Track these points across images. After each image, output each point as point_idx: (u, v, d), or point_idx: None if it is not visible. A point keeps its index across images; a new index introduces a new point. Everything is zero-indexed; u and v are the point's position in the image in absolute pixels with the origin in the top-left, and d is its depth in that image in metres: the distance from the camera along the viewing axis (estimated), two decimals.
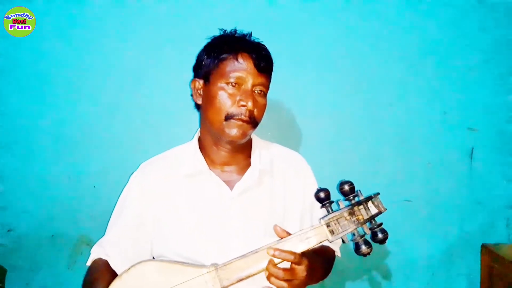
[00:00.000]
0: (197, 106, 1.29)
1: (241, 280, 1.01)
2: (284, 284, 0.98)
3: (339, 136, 1.71)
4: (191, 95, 1.27)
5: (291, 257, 0.97)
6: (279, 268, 0.98)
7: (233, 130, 1.14)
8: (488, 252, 1.71)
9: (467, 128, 1.74)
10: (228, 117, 1.14)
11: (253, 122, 1.16)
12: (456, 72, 1.72)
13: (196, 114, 1.54)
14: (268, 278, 0.99)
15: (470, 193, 1.75)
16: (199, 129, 1.31)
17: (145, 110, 1.63)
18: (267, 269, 0.98)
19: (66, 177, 1.63)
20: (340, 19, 1.67)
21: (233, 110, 1.14)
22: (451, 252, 1.76)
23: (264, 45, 1.23)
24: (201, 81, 1.22)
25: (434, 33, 1.70)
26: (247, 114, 1.13)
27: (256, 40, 1.25)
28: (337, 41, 1.67)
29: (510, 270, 1.58)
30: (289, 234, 1.02)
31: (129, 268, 1.06)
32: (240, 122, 1.14)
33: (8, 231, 1.64)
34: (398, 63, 1.70)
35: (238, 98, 1.14)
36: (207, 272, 1.02)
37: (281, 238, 1.02)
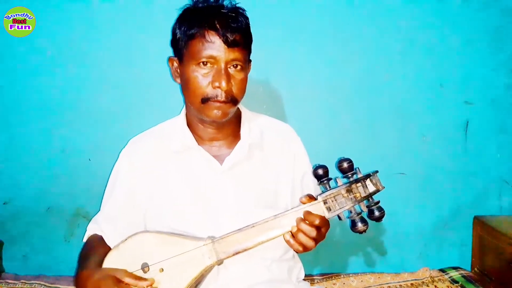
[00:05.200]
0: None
1: (237, 253, 1.02)
2: (309, 241, 0.99)
3: (334, 108, 1.70)
4: (171, 74, 1.23)
5: (317, 221, 0.99)
6: (312, 226, 0.99)
7: (212, 112, 1.10)
8: (480, 223, 1.74)
9: (463, 101, 1.74)
10: (204, 100, 1.09)
11: (232, 100, 1.10)
12: (454, 46, 1.71)
13: None
14: (296, 234, 0.99)
15: (463, 165, 1.77)
16: (184, 105, 1.28)
17: (139, 82, 1.61)
18: (298, 227, 0.99)
19: (61, 150, 1.62)
20: None
21: (208, 91, 1.09)
22: (444, 223, 1.78)
23: (236, 13, 1.11)
24: (177, 60, 1.17)
25: (432, 5, 1.68)
26: (223, 96, 1.08)
27: (232, 4, 1.14)
28: (333, 12, 1.64)
29: (502, 242, 1.61)
30: (315, 198, 1.02)
31: (126, 239, 1.08)
32: (218, 104, 1.09)
33: (4, 203, 1.65)
34: (395, 36, 1.68)
35: (211, 79, 1.08)
36: (204, 245, 1.03)
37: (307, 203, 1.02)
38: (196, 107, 1.13)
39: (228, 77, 1.09)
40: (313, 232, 0.98)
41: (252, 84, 1.19)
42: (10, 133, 1.62)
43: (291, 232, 1.01)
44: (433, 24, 1.69)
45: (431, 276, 1.66)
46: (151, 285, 1.02)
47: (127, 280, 1.00)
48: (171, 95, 1.59)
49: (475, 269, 1.76)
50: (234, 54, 1.09)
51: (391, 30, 1.67)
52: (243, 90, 1.14)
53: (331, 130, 1.71)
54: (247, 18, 1.15)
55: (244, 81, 1.14)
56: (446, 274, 1.68)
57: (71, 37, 1.58)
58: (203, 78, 1.09)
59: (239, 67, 1.11)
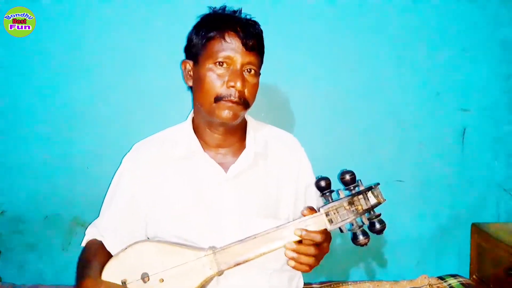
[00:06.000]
0: (189, 88, 1.27)
1: (238, 264, 1.02)
2: (311, 260, 0.99)
3: (331, 116, 1.71)
4: (183, 77, 1.25)
5: (318, 238, 0.98)
6: (310, 245, 0.98)
7: (223, 112, 1.11)
8: (478, 231, 1.74)
9: (460, 108, 1.75)
10: (217, 99, 1.11)
11: (244, 103, 1.13)
12: (450, 53, 1.72)
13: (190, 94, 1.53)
14: (293, 253, 0.99)
15: (461, 173, 1.77)
16: (192, 110, 1.29)
17: (138, 90, 1.61)
18: (296, 249, 0.98)
19: (59, 158, 1.61)
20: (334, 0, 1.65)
21: (222, 91, 1.11)
22: (442, 231, 1.79)
23: (254, 22, 1.18)
24: (191, 63, 1.19)
25: (429, 14, 1.69)
26: (236, 95, 1.10)
27: (247, 17, 1.20)
28: (331, 21, 1.66)
29: (499, 249, 1.61)
30: (316, 210, 1.02)
31: (126, 248, 1.07)
32: (230, 104, 1.11)
33: (1, 212, 1.63)
34: (393, 44, 1.69)
35: (226, 78, 1.11)
36: (205, 255, 1.02)
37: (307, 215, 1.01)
38: (207, 107, 1.13)
39: (243, 78, 1.12)
40: (311, 250, 0.98)
41: None
42: (8, 140, 1.61)
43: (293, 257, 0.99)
44: (429, 33, 1.70)
45: (429, 284, 1.67)
46: None
47: None
48: (172, 104, 1.60)
49: (474, 276, 1.77)
50: (250, 57, 1.12)
51: (388, 39, 1.69)
52: (254, 94, 1.17)
53: (329, 138, 1.71)
54: (261, 30, 1.19)
55: (256, 86, 1.17)
56: (444, 282, 1.68)
57: (72, 45, 1.58)
58: (218, 78, 1.11)
59: (253, 71, 1.14)
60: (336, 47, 1.67)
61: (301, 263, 0.99)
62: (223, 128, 1.18)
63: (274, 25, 1.60)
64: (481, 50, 1.73)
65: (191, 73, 1.20)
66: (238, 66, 1.11)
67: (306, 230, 0.98)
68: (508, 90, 1.76)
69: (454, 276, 1.73)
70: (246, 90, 1.13)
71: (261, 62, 1.20)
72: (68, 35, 1.57)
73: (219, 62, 1.11)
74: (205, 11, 1.25)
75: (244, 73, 1.13)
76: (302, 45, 1.66)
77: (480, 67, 1.74)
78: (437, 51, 1.71)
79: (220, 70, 1.11)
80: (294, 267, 1.00)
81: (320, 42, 1.66)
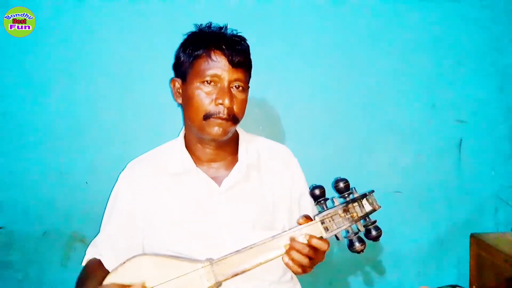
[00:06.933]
0: (179, 105, 1.29)
1: (236, 275, 1.02)
2: (305, 260, 0.99)
3: (328, 128, 1.71)
4: (172, 95, 1.26)
5: (325, 246, 0.99)
6: (304, 244, 0.98)
7: (213, 129, 1.13)
8: (477, 241, 1.74)
9: (456, 120, 1.76)
10: (206, 116, 1.13)
11: (233, 119, 1.14)
12: (446, 65, 1.74)
13: None
14: (289, 252, 0.99)
15: (458, 183, 1.78)
16: (184, 127, 1.30)
17: (136, 105, 1.63)
18: (292, 246, 0.98)
19: (58, 173, 1.62)
20: (329, 11, 1.67)
21: (211, 108, 1.12)
22: (441, 242, 1.78)
23: (240, 38, 1.19)
24: (180, 81, 1.21)
25: (425, 26, 1.72)
26: (225, 112, 1.12)
27: (234, 32, 1.21)
28: (326, 34, 1.68)
29: (498, 259, 1.61)
30: (311, 219, 1.02)
31: (124, 262, 1.07)
32: (219, 121, 1.12)
33: (0, 228, 1.64)
34: (388, 56, 1.71)
35: (214, 96, 1.12)
36: (202, 267, 1.02)
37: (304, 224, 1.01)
38: (197, 124, 1.15)
39: (231, 95, 1.13)
40: (305, 249, 0.98)
41: (248, 105, 1.22)
42: (6, 156, 1.61)
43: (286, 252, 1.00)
44: (425, 45, 1.72)
45: None
46: None
47: None
48: (169, 119, 1.61)
49: (474, 286, 1.76)
50: (238, 74, 1.14)
51: (383, 52, 1.71)
52: (243, 110, 1.18)
53: (326, 149, 1.71)
54: (248, 45, 1.20)
55: (245, 102, 1.19)
56: None
57: (69, 59, 1.59)
58: (206, 96, 1.13)
59: (240, 88, 1.16)
60: (333, 58, 1.69)
61: (293, 261, 0.99)
62: (215, 144, 1.20)
63: (269, 35, 1.63)
64: (476, 62, 1.75)
65: (180, 90, 1.22)
66: (226, 84, 1.13)
67: (315, 237, 0.99)
68: (503, 101, 1.78)
69: (454, 286, 1.72)
70: (234, 106, 1.14)
71: (248, 77, 1.21)
72: (64, 54, 1.59)
73: (207, 81, 1.13)
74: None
75: (232, 89, 1.14)
76: (298, 58, 1.67)
77: (475, 79, 1.75)
78: (433, 63, 1.73)
79: (208, 88, 1.13)
80: (286, 264, 1.00)
81: (316, 55, 1.68)
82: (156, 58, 1.61)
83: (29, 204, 1.63)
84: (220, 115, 1.12)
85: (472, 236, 1.77)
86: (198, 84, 1.13)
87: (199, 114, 1.13)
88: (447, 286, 1.73)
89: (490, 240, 1.69)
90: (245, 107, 1.19)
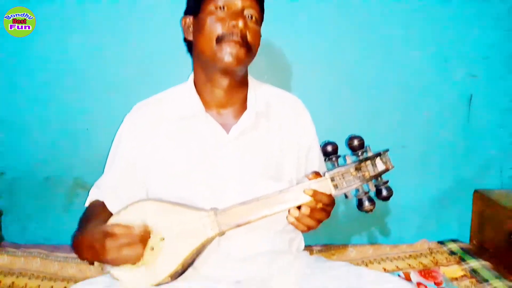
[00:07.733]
0: (189, 48, 1.24)
1: (239, 226, 1.01)
2: (313, 222, 0.99)
3: (336, 83, 1.68)
4: (184, 39, 1.22)
5: (326, 199, 0.98)
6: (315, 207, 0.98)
7: (226, 55, 1.07)
8: (480, 197, 1.74)
9: (468, 74, 1.71)
10: (219, 39, 1.08)
11: (246, 45, 1.10)
12: (458, 18, 1.68)
13: None
14: (300, 218, 0.99)
15: (466, 139, 1.76)
16: (193, 72, 1.25)
17: (138, 51, 1.58)
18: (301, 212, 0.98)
19: (59, 120, 1.60)
20: None
21: (224, 31, 1.08)
22: (444, 197, 1.79)
23: None
24: (191, 17, 1.17)
25: None
26: (238, 35, 1.07)
27: None
28: None
29: (501, 214, 1.61)
30: (320, 176, 1.01)
31: (127, 206, 1.06)
32: (233, 44, 1.07)
33: (1, 174, 1.63)
34: (399, 10, 1.65)
35: (228, 19, 1.08)
36: (207, 216, 1.01)
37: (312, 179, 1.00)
38: (209, 52, 1.10)
39: (245, 19, 1.10)
40: (318, 214, 0.98)
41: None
42: (7, 102, 1.59)
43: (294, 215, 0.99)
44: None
45: (429, 248, 1.68)
46: (144, 232, 1.00)
47: (117, 230, 0.98)
48: (173, 65, 1.56)
49: (474, 241, 1.78)
50: (251, 1, 1.11)
51: (395, 6, 1.64)
52: (257, 40, 1.15)
53: (334, 103, 1.69)
54: None
55: (258, 34, 1.15)
56: (444, 246, 1.70)
57: (73, 9, 1.55)
58: (219, 20, 1.09)
59: (254, 18, 1.13)
60: (341, 13, 1.63)
61: (302, 224, 1.00)
62: (226, 81, 1.15)
63: None
64: (489, 16, 1.69)
65: (191, 27, 1.18)
66: (239, 8, 1.10)
67: (315, 190, 0.97)
68: None
69: (454, 241, 1.74)
70: (248, 34, 1.10)
71: (261, 12, 1.17)
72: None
73: (220, 6, 1.10)
74: None
75: (245, 17, 1.11)
76: (308, 8, 1.61)
77: (488, 33, 1.70)
78: (445, 17, 1.67)
79: (221, 13, 1.10)
80: (292, 223, 1.00)
81: (325, 6, 1.62)
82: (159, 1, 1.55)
83: (29, 150, 1.62)
84: (234, 37, 1.07)
85: (476, 192, 1.76)
86: (211, 8, 1.10)
87: (211, 38, 1.09)
88: (447, 240, 1.75)
89: (494, 196, 1.69)
90: (259, 40, 1.15)
